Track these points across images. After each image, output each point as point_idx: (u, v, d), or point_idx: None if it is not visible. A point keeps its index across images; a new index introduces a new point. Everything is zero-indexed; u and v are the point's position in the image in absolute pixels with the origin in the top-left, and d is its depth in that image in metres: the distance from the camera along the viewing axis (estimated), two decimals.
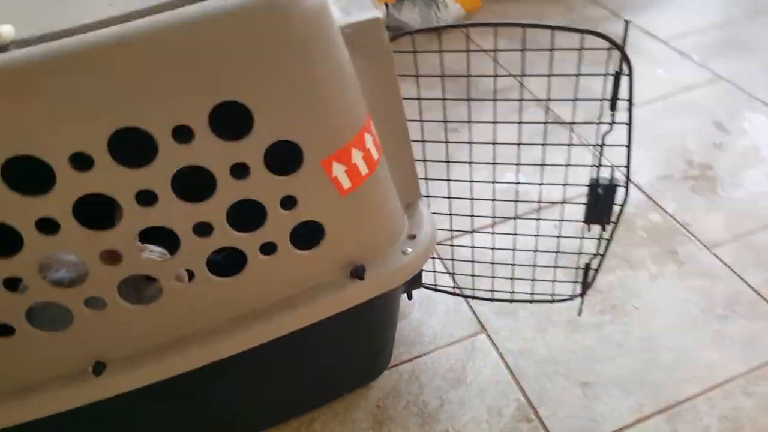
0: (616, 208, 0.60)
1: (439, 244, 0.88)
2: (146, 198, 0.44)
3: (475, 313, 0.80)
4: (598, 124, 0.54)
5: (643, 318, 0.79)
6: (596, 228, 0.64)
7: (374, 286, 0.54)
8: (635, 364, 0.74)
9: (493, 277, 0.71)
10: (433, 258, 0.74)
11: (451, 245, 0.74)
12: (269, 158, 0.46)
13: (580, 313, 0.74)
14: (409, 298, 0.77)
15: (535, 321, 0.79)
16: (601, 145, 0.54)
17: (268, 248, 0.50)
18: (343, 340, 0.64)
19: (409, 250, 0.56)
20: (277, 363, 0.61)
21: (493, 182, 0.61)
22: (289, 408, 0.69)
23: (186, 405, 0.61)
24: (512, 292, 0.71)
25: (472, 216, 0.68)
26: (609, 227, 0.61)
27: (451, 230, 0.69)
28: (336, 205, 0.51)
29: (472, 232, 0.71)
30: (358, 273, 0.53)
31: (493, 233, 0.70)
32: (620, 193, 0.58)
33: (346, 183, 0.50)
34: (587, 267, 0.66)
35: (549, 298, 0.71)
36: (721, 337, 0.76)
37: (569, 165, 0.58)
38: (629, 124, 0.52)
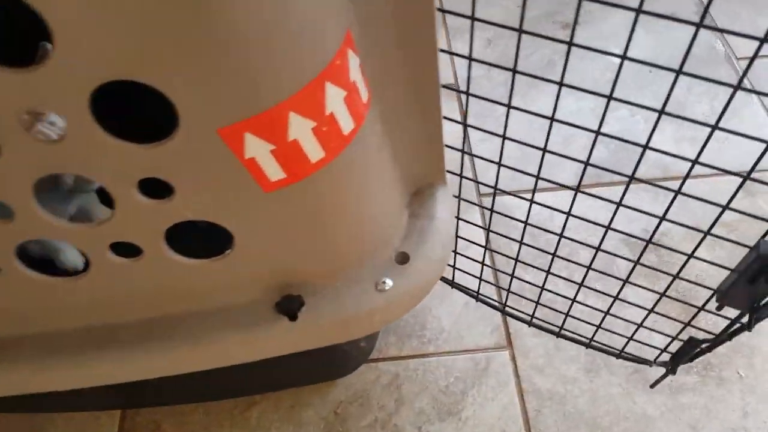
0: None
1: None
2: None
3: (504, 319, 0.58)
4: None
5: (745, 394, 0.53)
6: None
7: (312, 334, 0.32)
8: None
9: (538, 304, 0.46)
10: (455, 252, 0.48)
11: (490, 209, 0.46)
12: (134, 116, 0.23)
13: (654, 385, 0.49)
14: None
15: (587, 357, 0.55)
16: None
17: (127, 249, 0.29)
18: None
19: (389, 283, 0.33)
20: None
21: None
22: (224, 387, 0.53)
23: None
24: (561, 328, 0.47)
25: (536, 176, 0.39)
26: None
27: (494, 191, 0.37)
28: (252, 204, 0.27)
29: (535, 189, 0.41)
30: (287, 308, 0.31)
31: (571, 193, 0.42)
32: None
33: (274, 172, 0.26)
34: (692, 343, 0.40)
35: (616, 351, 0.47)
36: None
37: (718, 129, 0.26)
38: None
